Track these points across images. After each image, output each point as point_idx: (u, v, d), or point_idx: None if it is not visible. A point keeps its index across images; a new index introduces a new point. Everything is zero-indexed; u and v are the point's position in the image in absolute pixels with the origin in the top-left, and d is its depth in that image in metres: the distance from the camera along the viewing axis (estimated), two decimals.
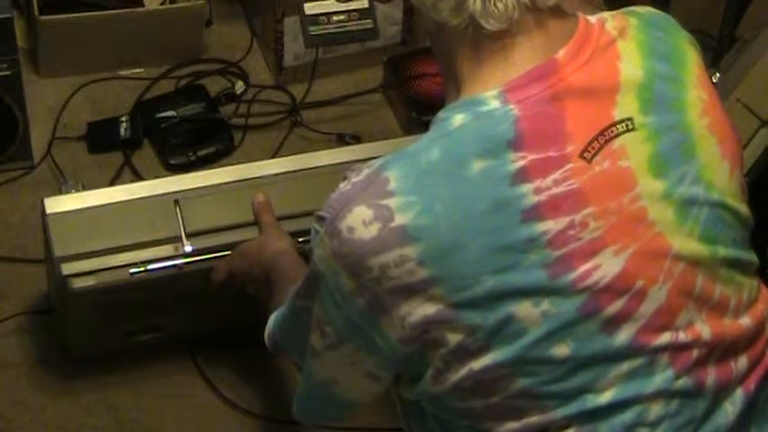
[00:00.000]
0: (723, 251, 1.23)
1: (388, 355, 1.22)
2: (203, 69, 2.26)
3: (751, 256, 1.29)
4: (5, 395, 1.79)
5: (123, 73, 2.22)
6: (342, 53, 2.23)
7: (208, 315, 1.79)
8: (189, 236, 1.66)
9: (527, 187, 1.15)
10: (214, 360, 1.83)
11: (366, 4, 1.33)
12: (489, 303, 1.16)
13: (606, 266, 1.17)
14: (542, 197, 1.16)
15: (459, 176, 1.16)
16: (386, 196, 1.16)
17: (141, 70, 2.23)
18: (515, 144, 1.16)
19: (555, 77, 1.18)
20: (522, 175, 1.16)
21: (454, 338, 1.17)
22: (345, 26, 1.39)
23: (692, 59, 1.28)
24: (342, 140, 2.16)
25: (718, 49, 2.21)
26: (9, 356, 1.83)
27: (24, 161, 2.06)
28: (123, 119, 2.12)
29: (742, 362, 1.26)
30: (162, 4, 2.20)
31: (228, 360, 1.84)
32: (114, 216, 1.67)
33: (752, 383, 1.27)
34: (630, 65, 1.23)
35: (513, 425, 1.21)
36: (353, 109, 2.23)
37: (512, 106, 1.17)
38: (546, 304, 1.16)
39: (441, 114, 1.20)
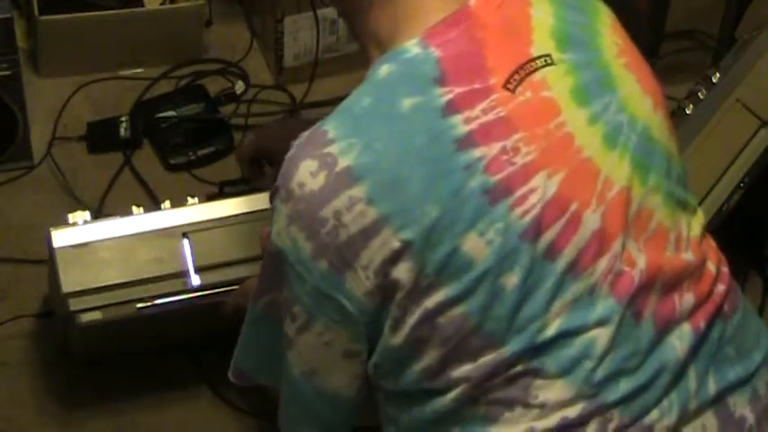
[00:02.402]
0: (656, 179, 1.27)
1: (357, 319, 1.23)
2: (203, 69, 2.25)
3: (688, 196, 1.32)
4: (5, 395, 1.79)
5: (123, 73, 2.22)
6: (342, 53, 2.23)
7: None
8: (198, 270, 1.66)
9: (457, 118, 1.20)
10: (215, 360, 1.83)
11: None
12: (436, 236, 1.19)
13: (541, 190, 1.20)
14: (473, 126, 1.20)
15: (392, 115, 1.21)
16: (327, 144, 1.20)
17: (141, 70, 2.23)
18: (441, 80, 1.21)
19: (470, 21, 1.24)
20: (451, 108, 1.21)
21: (407, 278, 1.20)
22: None
23: (603, 11, 1.34)
24: None
25: (718, 49, 2.21)
26: (9, 357, 1.83)
27: (24, 161, 2.06)
28: (123, 119, 2.11)
29: (687, 298, 1.28)
30: (162, 4, 2.20)
31: (230, 360, 1.83)
32: (122, 249, 1.65)
33: (701, 320, 1.28)
34: (541, 12, 1.28)
35: (468, 367, 1.22)
36: None
37: (432, 49, 1.23)
38: (491, 233, 1.19)
39: (368, 71, 1.26)
